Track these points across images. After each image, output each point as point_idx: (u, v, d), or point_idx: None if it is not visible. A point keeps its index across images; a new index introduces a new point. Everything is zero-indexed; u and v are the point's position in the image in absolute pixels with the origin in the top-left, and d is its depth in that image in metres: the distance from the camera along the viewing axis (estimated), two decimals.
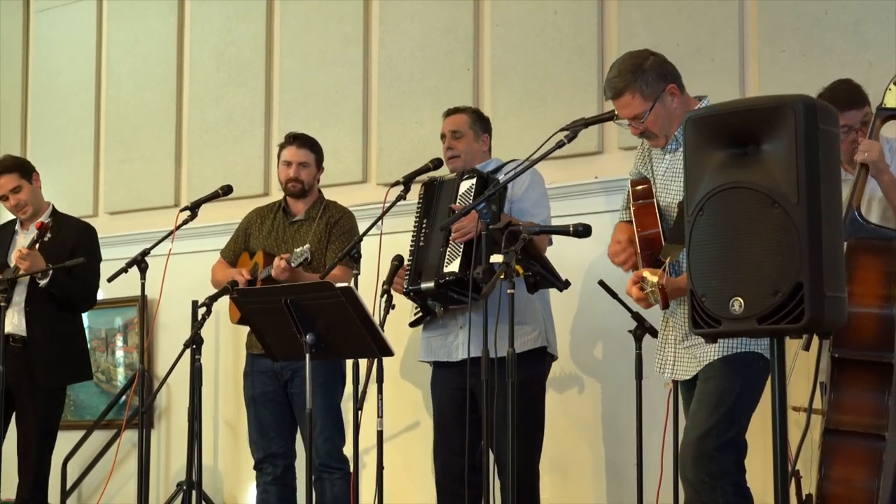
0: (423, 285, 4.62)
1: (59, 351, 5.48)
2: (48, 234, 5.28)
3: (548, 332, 4.73)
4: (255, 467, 5.23)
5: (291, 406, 5.16)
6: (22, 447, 5.41)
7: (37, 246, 5.27)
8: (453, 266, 4.51)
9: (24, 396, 5.37)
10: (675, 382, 4.00)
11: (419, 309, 4.78)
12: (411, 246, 4.77)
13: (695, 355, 3.73)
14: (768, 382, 3.57)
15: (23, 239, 5.54)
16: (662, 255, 3.69)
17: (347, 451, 4.86)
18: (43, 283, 5.33)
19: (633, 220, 3.82)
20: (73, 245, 5.49)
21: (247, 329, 5.18)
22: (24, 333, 5.42)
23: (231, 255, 5.39)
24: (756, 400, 3.73)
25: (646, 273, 3.64)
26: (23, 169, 5.65)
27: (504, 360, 3.72)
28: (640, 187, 3.86)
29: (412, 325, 4.87)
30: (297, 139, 5.32)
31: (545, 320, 4.72)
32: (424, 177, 4.92)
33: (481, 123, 4.98)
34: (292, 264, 4.86)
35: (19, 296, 5.41)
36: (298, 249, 4.88)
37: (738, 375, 3.67)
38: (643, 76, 3.71)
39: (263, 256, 5.18)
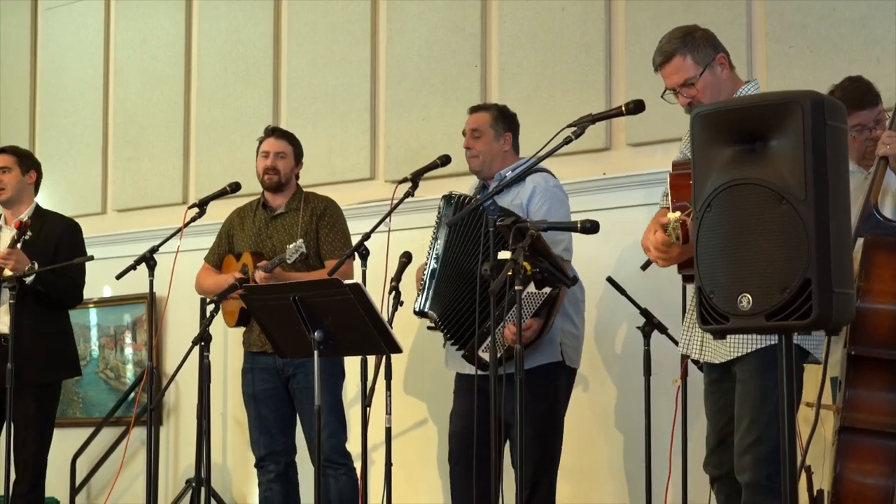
0: (432, 320, 4.69)
1: (45, 348, 5.45)
2: (28, 233, 5.27)
3: (565, 346, 4.60)
4: (257, 465, 5.23)
5: (292, 402, 5.16)
6: (17, 444, 5.39)
7: (18, 245, 5.27)
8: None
9: (13, 394, 5.34)
10: (683, 380, 3.98)
11: None
12: (425, 262, 4.70)
13: (726, 340, 3.65)
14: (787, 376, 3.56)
15: (7, 233, 5.55)
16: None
17: (355, 447, 4.86)
18: (29, 280, 5.33)
19: (668, 190, 3.67)
20: (56, 241, 5.47)
21: None
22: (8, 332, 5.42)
23: (215, 260, 5.37)
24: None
25: (669, 213, 3.49)
26: (23, 157, 5.69)
27: (512, 376, 3.69)
28: (681, 162, 3.73)
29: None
30: (276, 131, 5.35)
31: (558, 334, 4.57)
32: (449, 189, 4.82)
33: (504, 122, 4.82)
34: (288, 261, 4.83)
35: (5, 295, 5.41)
36: (292, 245, 4.81)
37: (775, 371, 3.61)
38: (694, 41, 3.72)
39: (251, 256, 5.17)
